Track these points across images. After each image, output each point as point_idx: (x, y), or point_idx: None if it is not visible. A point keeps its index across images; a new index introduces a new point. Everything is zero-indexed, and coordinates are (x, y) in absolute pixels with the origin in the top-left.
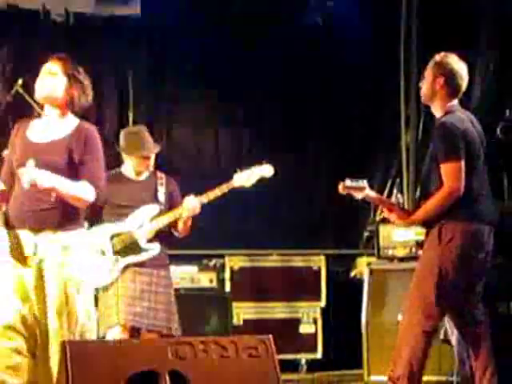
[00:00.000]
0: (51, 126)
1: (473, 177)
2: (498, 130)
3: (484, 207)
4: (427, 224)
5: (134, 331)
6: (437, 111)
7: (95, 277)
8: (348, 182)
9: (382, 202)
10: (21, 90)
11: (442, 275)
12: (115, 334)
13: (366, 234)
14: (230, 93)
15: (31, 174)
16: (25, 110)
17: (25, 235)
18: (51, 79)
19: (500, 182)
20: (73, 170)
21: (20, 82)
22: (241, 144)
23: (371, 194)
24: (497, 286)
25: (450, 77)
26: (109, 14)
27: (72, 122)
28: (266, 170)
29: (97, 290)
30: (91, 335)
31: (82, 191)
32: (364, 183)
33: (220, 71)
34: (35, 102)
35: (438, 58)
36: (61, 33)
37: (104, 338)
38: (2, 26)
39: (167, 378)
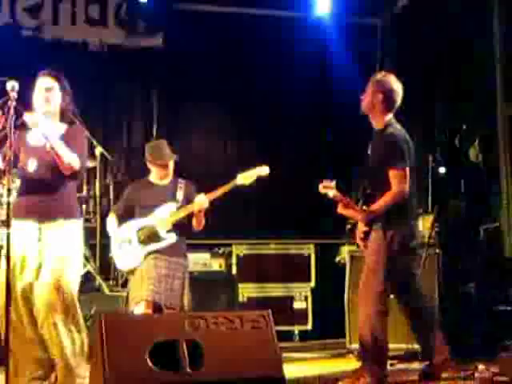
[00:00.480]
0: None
1: (410, 182)
2: (456, 140)
3: (414, 207)
4: (370, 222)
5: (156, 307)
6: (377, 123)
7: (124, 261)
8: (324, 182)
9: (342, 199)
10: None
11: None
12: (141, 308)
13: (348, 226)
14: (237, 111)
15: (36, 117)
16: None
17: (30, 224)
18: (48, 94)
19: (458, 184)
20: None
21: None
22: (243, 150)
23: (336, 193)
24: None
25: (388, 94)
26: (137, 45)
27: (63, 126)
28: (264, 170)
29: (127, 273)
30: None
31: (70, 156)
32: (333, 183)
33: (229, 94)
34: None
35: (378, 76)
36: (97, 60)
37: (132, 312)
38: (49, 55)
39: (184, 345)
